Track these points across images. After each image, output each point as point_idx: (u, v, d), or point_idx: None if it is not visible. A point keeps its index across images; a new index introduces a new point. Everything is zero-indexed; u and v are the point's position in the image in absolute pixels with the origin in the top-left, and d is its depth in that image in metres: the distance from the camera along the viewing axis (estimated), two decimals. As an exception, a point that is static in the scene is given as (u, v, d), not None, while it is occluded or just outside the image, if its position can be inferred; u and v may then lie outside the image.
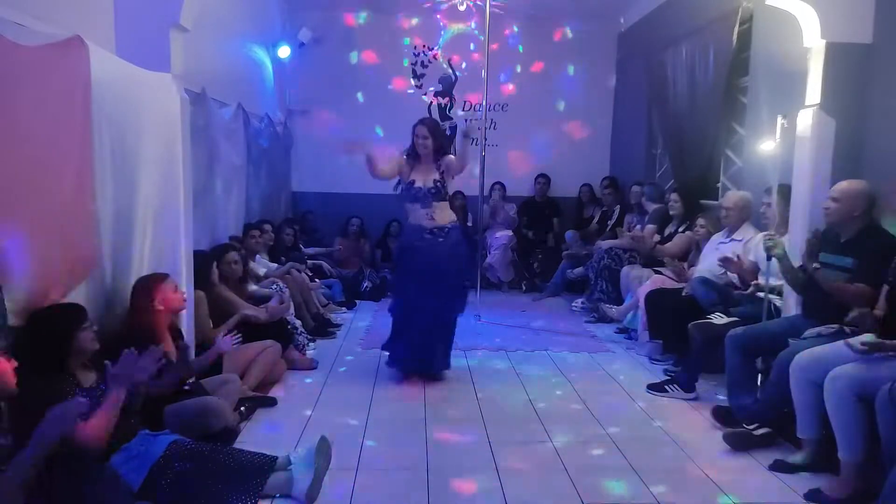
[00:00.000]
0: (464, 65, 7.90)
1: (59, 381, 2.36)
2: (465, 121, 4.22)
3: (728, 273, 4.27)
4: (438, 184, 4.20)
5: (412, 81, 7.96)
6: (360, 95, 7.95)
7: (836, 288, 3.16)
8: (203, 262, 3.88)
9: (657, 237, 5.56)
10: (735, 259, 3.99)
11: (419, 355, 4.22)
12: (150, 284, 3.07)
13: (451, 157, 4.31)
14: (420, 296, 4.15)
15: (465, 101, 7.95)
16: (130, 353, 2.45)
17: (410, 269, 4.22)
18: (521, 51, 8.00)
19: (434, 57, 7.91)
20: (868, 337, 2.83)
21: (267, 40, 6.95)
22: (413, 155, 4.28)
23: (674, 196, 5.50)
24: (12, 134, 2.26)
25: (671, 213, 5.52)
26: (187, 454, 2.55)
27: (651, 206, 6.01)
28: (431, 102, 7.95)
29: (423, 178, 4.20)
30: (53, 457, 2.12)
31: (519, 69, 8.01)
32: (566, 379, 4.35)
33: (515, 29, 7.93)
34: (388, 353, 4.39)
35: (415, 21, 7.85)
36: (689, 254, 5.16)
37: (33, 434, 2.00)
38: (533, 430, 3.51)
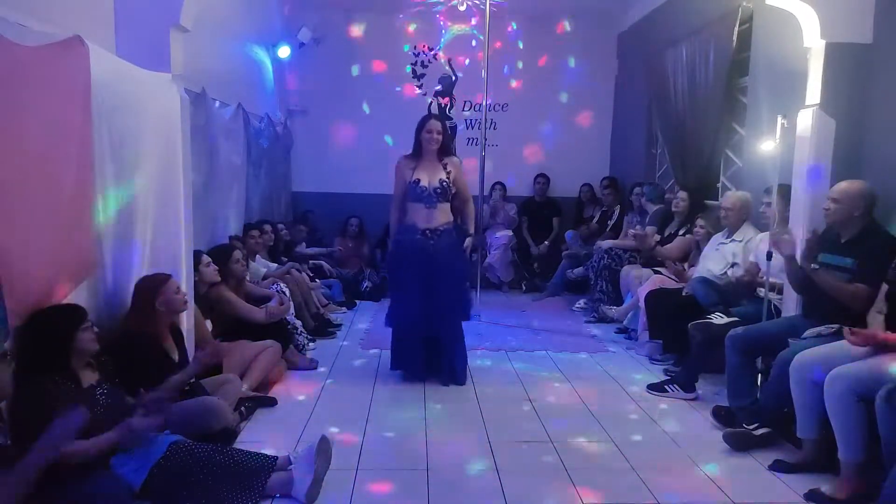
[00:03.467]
0: (467, 61, 7.88)
1: (60, 382, 2.36)
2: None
3: (729, 273, 4.28)
4: (444, 183, 4.10)
5: (413, 83, 7.95)
6: (365, 105, 7.95)
7: (834, 289, 3.16)
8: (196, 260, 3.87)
9: (657, 237, 5.56)
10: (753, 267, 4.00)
11: (428, 365, 4.19)
12: (152, 285, 3.07)
13: (457, 158, 4.25)
14: (420, 304, 4.08)
15: (465, 102, 7.96)
16: (144, 419, 2.46)
17: (408, 274, 4.13)
18: (521, 49, 7.98)
19: (435, 57, 7.90)
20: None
21: (267, 40, 6.95)
22: (415, 153, 4.18)
23: (681, 194, 5.46)
24: (12, 134, 2.26)
25: (674, 210, 5.51)
26: (188, 455, 2.55)
27: (651, 207, 6.01)
28: (431, 102, 7.95)
29: (429, 177, 4.09)
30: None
31: (520, 67, 8.00)
32: (566, 379, 4.35)
33: (517, 32, 7.93)
34: (398, 368, 4.32)
35: (414, 23, 7.85)
36: (690, 255, 5.16)
37: (36, 444, 2.00)
38: (533, 430, 3.51)
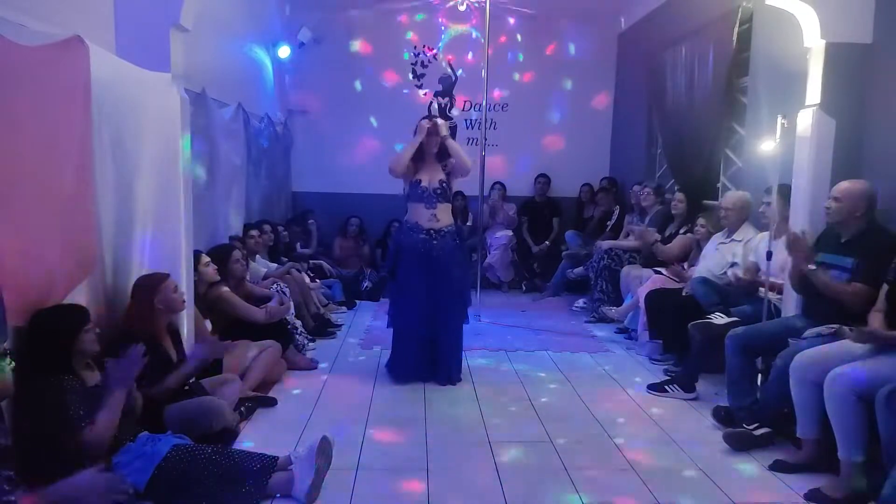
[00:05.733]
0: (467, 60, 7.87)
1: (64, 381, 2.37)
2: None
3: (728, 273, 4.28)
4: (444, 184, 4.15)
5: (413, 83, 7.95)
6: (364, 104, 7.95)
7: (832, 289, 3.16)
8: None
9: (657, 236, 5.55)
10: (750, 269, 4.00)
11: (427, 366, 4.19)
12: (150, 284, 3.07)
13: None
14: (421, 302, 4.10)
15: (465, 101, 7.96)
16: (130, 352, 2.47)
17: (409, 274, 4.14)
18: (521, 48, 8.00)
19: (435, 57, 7.90)
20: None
21: (267, 40, 6.95)
22: (417, 155, 4.20)
23: (678, 196, 5.48)
24: (12, 134, 2.26)
25: (673, 212, 5.51)
26: (189, 456, 2.55)
27: (652, 209, 6.00)
28: (431, 102, 7.94)
29: (429, 178, 4.14)
30: (57, 457, 2.13)
31: (520, 65, 8.01)
32: (566, 379, 4.35)
33: (517, 32, 7.94)
34: (391, 370, 4.31)
35: (414, 22, 7.85)
36: (690, 254, 5.16)
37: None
38: (533, 430, 3.51)
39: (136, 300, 3.06)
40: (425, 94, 7.87)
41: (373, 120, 7.94)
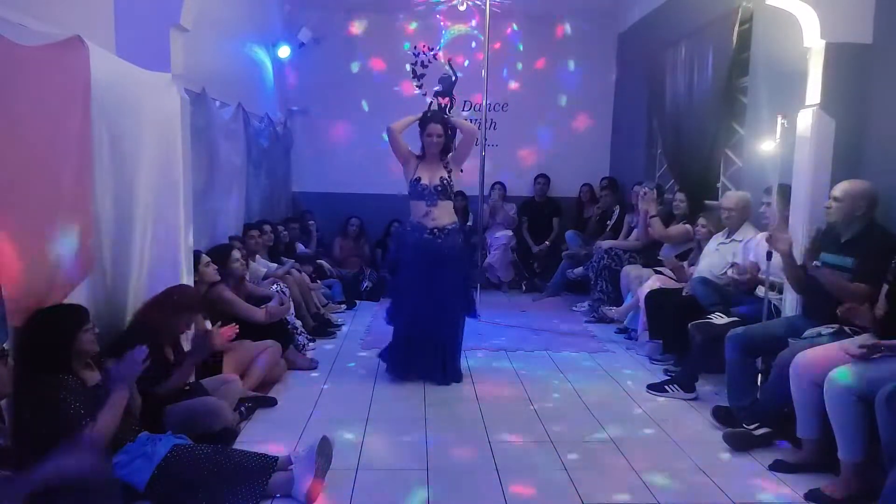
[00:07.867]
0: (466, 62, 7.87)
1: (63, 380, 2.37)
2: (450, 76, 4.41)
3: (729, 273, 4.27)
4: (445, 181, 4.17)
5: (413, 83, 7.94)
6: (365, 105, 7.95)
7: (836, 286, 3.16)
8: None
9: (659, 223, 5.52)
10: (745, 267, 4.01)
11: (426, 365, 4.19)
12: (187, 306, 3.18)
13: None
14: (423, 301, 4.12)
15: (464, 102, 7.95)
16: (132, 353, 2.48)
17: (411, 272, 4.17)
18: (520, 50, 8.01)
19: (435, 57, 7.90)
20: (864, 339, 2.84)
21: (267, 40, 6.95)
22: (420, 153, 4.27)
23: (679, 195, 5.49)
24: (12, 134, 2.26)
25: (675, 212, 5.51)
26: (189, 456, 2.55)
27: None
28: (431, 102, 7.93)
29: (430, 176, 4.17)
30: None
31: (520, 67, 8.02)
32: (566, 379, 4.35)
33: (517, 32, 7.95)
34: (385, 363, 4.34)
35: (414, 22, 7.86)
36: (689, 249, 5.16)
37: (41, 466, 1.97)
38: (533, 430, 3.51)
39: (163, 308, 3.10)
40: (425, 94, 7.87)
41: (373, 120, 7.92)
